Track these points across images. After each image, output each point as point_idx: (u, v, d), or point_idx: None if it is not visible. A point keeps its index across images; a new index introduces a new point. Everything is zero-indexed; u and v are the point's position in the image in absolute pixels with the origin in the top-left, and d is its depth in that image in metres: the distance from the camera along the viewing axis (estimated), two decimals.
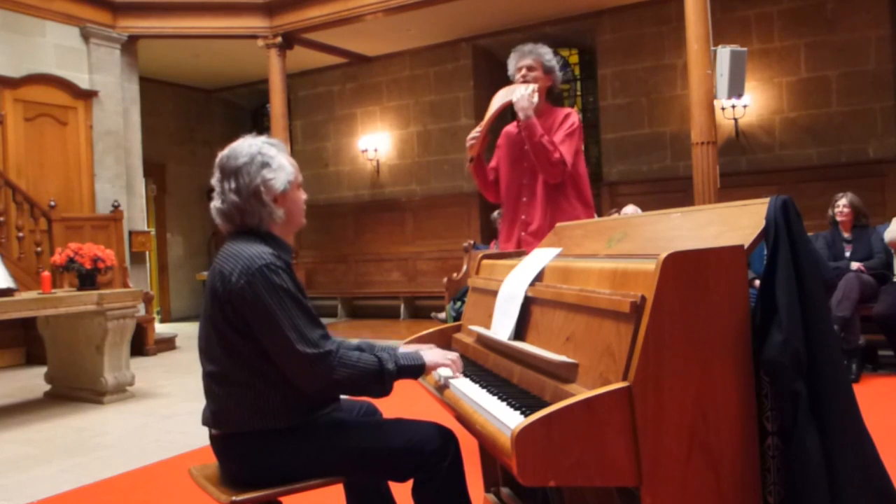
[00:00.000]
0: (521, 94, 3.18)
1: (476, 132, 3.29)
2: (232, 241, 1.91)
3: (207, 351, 1.91)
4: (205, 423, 1.97)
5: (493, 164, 3.47)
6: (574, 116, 3.27)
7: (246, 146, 1.91)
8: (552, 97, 3.37)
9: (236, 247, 1.86)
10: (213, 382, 1.90)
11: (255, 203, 1.88)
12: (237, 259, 1.82)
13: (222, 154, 1.93)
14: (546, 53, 3.31)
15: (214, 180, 1.93)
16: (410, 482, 1.91)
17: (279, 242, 1.93)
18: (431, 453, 1.85)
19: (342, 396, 2.03)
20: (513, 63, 3.32)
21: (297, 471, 1.88)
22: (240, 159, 1.89)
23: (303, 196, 2.01)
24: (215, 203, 1.92)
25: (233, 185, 1.88)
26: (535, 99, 3.18)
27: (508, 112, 3.37)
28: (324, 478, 1.90)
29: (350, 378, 1.81)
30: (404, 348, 2.09)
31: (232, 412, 1.87)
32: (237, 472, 1.90)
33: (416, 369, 1.93)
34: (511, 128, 3.42)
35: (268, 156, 1.90)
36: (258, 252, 1.82)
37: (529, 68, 3.26)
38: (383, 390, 1.88)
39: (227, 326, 1.83)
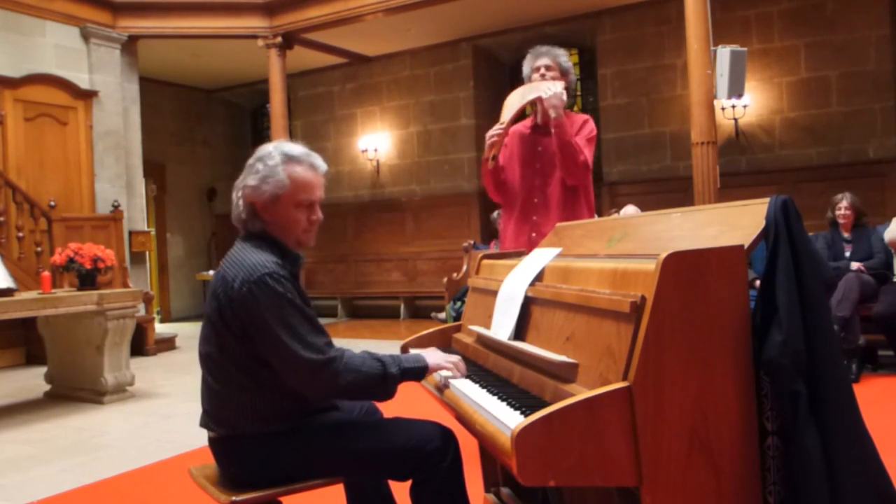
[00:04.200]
0: (552, 91, 3.12)
1: (498, 129, 3.19)
2: (240, 245, 1.91)
3: (206, 353, 1.91)
4: (202, 424, 1.97)
5: (500, 163, 3.45)
6: (592, 124, 3.27)
7: (261, 148, 1.95)
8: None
9: (242, 252, 1.86)
10: (211, 384, 1.90)
11: (237, 205, 1.93)
12: (240, 266, 1.82)
13: None
14: (562, 55, 3.30)
15: None
16: (408, 482, 1.91)
17: (285, 251, 1.91)
18: (432, 453, 1.85)
19: None
20: (529, 63, 3.30)
21: (297, 472, 1.87)
22: (249, 160, 1.94)
23: (304, 215, 1.91)
24: None
25: (238, 182, 1.94)
26: (565, 97, 3.16)
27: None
28: (324, 478, 1.90)
29: (355, 383, 1.80)
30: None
31: (228, 415, 1.86)
32: (236, 475, 1.90)
33: (419, 371, 1.93)
34: (522, 128, 3.38)
35: (263, 162, 1.90)
36: (262, 260, 1.82)
37: (548, 67, 3.24)
38: (387, 394, 1.88)
39: (225, 329, 1.83)
